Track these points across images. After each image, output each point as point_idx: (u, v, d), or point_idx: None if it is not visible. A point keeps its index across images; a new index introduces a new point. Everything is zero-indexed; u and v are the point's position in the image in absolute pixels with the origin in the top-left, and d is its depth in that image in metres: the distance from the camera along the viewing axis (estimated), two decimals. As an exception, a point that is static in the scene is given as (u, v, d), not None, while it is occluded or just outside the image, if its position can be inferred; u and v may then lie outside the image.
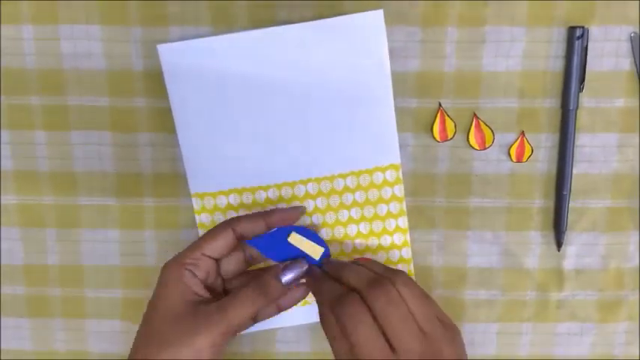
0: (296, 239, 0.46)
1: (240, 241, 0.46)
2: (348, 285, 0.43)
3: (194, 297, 0.44)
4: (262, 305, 0.44)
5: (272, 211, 0.47)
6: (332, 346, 0.42)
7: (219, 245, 0.45)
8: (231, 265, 0.47)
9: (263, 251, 0.46)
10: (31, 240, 0.52)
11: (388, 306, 0.40)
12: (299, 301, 0.47)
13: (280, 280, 0.45)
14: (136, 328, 0.49)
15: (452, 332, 0.42)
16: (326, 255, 0.46)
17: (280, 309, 0.48)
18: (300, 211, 0.48)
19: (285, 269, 0.45)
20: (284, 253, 0.46)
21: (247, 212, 0.50)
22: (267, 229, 0.47)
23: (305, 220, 0.50)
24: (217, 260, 0.46)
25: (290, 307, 0.47)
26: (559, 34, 0.48)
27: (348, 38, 0.48)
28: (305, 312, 0.51)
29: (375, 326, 0.40)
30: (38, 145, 0.51)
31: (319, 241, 0.46)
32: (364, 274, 0.43)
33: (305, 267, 0.46)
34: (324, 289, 0.44)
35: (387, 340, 0.40)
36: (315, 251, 0.46)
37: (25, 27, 0.49)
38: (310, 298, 0.47)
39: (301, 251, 0.46)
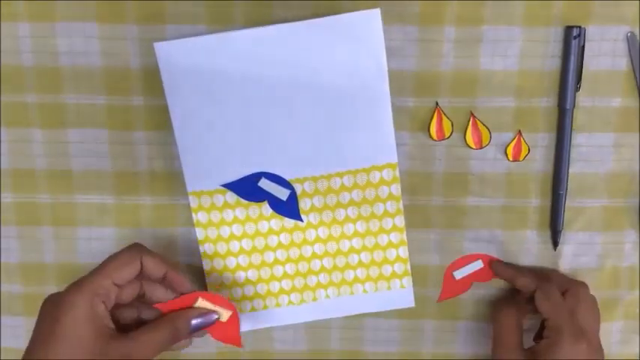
0: (265, 184, 0.49)
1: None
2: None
3: (105, 331, 0.42)
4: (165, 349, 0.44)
5: (173, 274, 0.46)
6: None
7: (126, 273, 0.44)
8: (127, 292, 0.45)
9: (238, 194, 0.50)
10: (27, 238, 0.52)
11: (584, 300, 0.48)
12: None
13: (190, 325, 0.45)
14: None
15: None
16: (292, 195, 0.49)
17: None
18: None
19: (198, 317, 0.46)
20: (255, 196, 0.50)
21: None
22: (161, 279, 0.46)
23: (302, 219, 0.50)
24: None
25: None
26: (556, 34, 0.48)
27: (345, 37, 0.48)
28: (303, 311, 0.52)
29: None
30: (35, 143, 0.50)
31: (286, 185, 0.49)
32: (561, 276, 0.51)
33: (214, 319, 0.46)
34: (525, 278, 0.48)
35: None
36: (282, 193, 0.49)
37: (21, 24, 0.49)
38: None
39: (270, 193, 0.49)
